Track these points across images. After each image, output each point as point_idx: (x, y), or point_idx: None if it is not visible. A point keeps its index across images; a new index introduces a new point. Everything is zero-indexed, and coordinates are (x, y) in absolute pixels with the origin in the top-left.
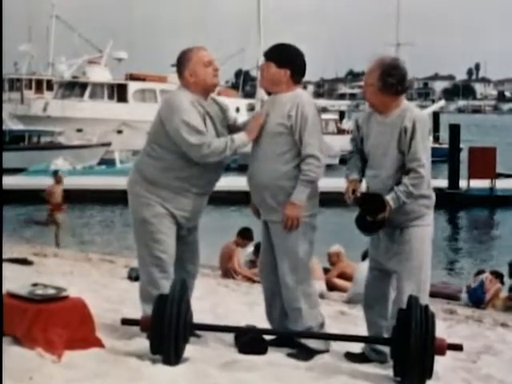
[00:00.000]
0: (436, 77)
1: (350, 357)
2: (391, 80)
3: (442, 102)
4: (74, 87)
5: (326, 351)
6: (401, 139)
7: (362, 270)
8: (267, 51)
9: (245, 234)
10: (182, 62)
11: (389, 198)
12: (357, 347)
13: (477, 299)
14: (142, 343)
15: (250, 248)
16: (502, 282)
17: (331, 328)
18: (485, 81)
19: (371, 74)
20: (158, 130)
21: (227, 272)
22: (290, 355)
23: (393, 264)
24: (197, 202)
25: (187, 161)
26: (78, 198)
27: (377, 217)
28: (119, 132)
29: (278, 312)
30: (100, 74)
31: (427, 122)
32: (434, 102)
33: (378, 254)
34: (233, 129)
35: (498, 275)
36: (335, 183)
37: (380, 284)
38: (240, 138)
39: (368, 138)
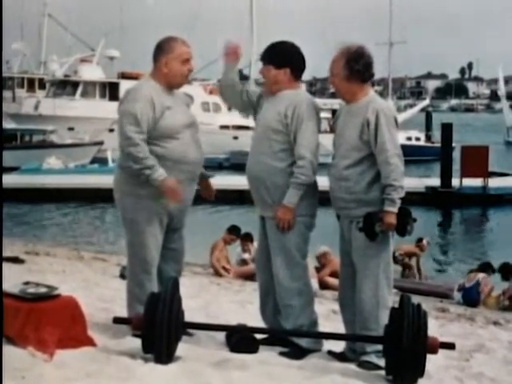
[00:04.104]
0: (429, 76)
1: (332, 355)
2: (357, 67)
3: (427, 101)
4: (66, 86)
5: (318, 350)
6: (363, 130)
7: None
8: (263, 54)
9: (232, 231)
10: (163, 49)
11: (385, 207)
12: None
13: (471, 300)
14: (134, 342)
15: (239, 247)
16: (493, 271)
17: (323, 326)
18: (477, 80)
19: (337, 63)
20: None
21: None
22: (281, 354)
23: (354, 258)
24: (187, 190)
25: (167, 143)
26: (70, 196)
27: (377, 230)
28: (111, 131)
29: (270, 309)
30: (92, 73)
31: (391, 112)
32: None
33: (346, 246)
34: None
35: (486, 266)
36: (327, 182)
37: (353, 282)
38: (159, 174)
39: (336, 128)
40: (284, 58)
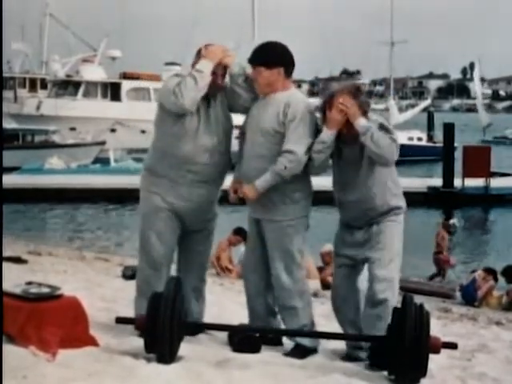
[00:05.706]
0: (430, 76)
1: (334, 354)
2: (367, 100)
3: (429, 101)
4: (68, 86)
5: (315, 349)
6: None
7: None
8: (252, 58)
9: (238, 233)
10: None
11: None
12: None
13: (469, 296)
14: (137, 342)
15: (243, 248)
16: (496, 279)
17: (324, 326)
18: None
19: (350, 103)
20: (157, 115)
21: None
22: (284, 354)
23: (367, 253)
24: (197, 192)
25: (179, 143)
26: (72, 196)
27: None
28: (113, 131)
29: (263, 309)
30: (94, 73)
31: (386, 121)
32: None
33: (348, 250)
34: None
35: (490, 272)
36: (326, 182)
37: (348, 282)
38: (201, 64)
39: (338, 162)
40: (275, 57)
